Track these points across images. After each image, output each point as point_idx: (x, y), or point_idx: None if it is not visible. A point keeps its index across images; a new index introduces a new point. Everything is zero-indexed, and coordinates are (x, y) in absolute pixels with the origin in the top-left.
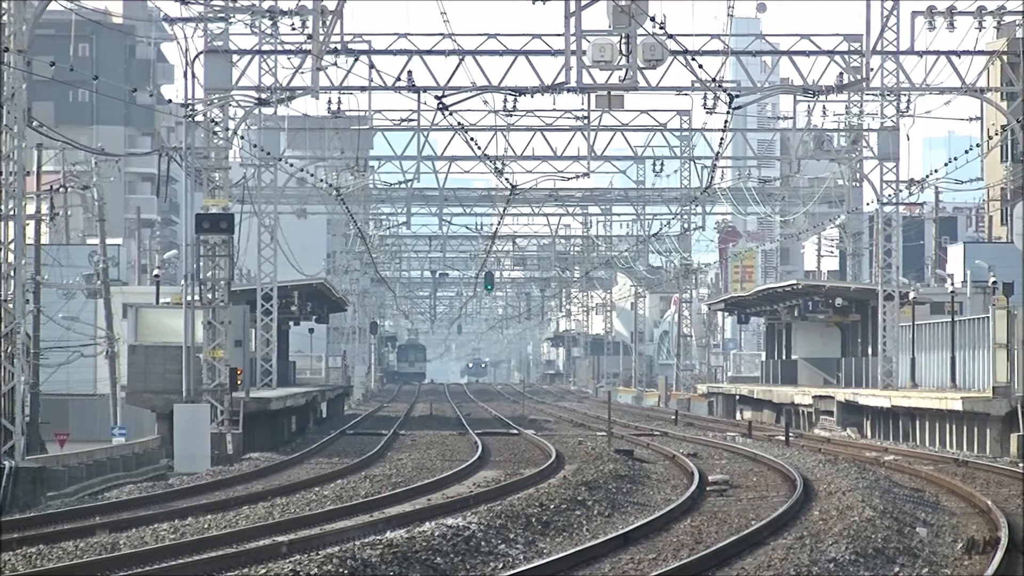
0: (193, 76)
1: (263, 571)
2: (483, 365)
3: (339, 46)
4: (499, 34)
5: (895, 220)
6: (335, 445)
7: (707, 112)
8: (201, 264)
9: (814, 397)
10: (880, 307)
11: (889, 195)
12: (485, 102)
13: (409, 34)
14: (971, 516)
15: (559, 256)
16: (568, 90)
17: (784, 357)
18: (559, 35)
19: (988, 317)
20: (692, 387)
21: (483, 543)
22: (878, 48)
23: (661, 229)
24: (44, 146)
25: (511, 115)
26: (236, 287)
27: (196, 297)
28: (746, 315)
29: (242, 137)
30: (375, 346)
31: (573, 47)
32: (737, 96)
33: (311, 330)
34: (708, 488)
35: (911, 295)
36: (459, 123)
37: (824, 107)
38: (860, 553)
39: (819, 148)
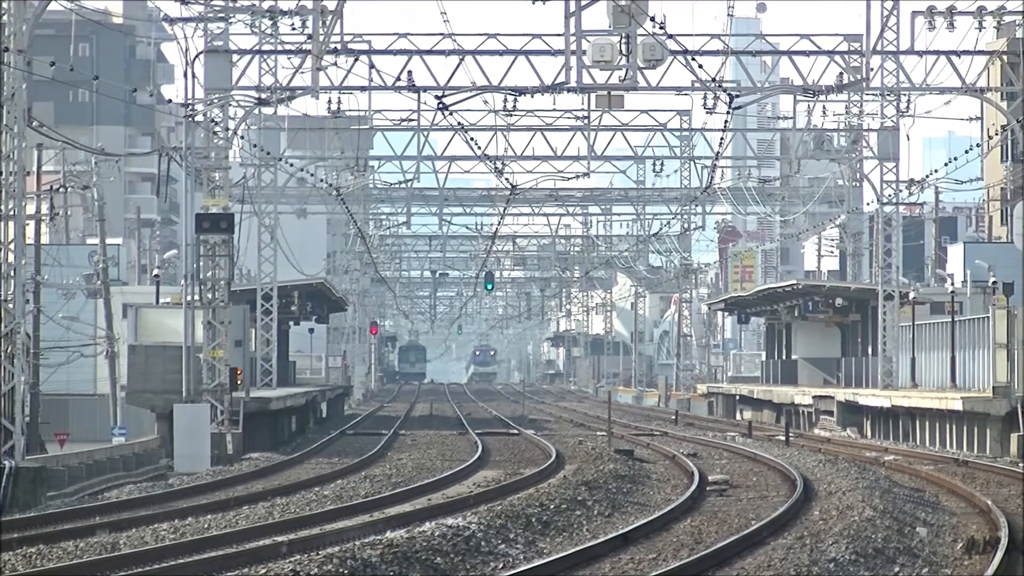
0: (193, 76)
1: (263, 571)
2: (492, 354)
3: (339, 46)
4: (499, 34)
5: (895, 220)
6: (335, 445)
7: (707, 112)
8: (201, 264)
9: (814, 397)
10: (880, 307)
11: (889, 195)
12: (485, 102)
13: (409, 34)
14: (971, 516)
15: (559, 256)
16: (568, 90)
17: (784, 357)
18: (559, 35)
19: (988, 317)
20: (692, 387)
21: (483, 543)
22: (878, 48)
23: (661, 229)
24: (44, 146)
25: (511, 115)
26: (236, 287)
27: (196, 297)
28: (746, 315)
29: (242, 137)
30: (375, 346)
31: (573, 47)
32: (737, 96)
33: (311, 330)
34: (708, 488)
35: (911, 295)
36: (459, 123)
37: (824, 107)
38: (860, 553)
39: (819, 148)
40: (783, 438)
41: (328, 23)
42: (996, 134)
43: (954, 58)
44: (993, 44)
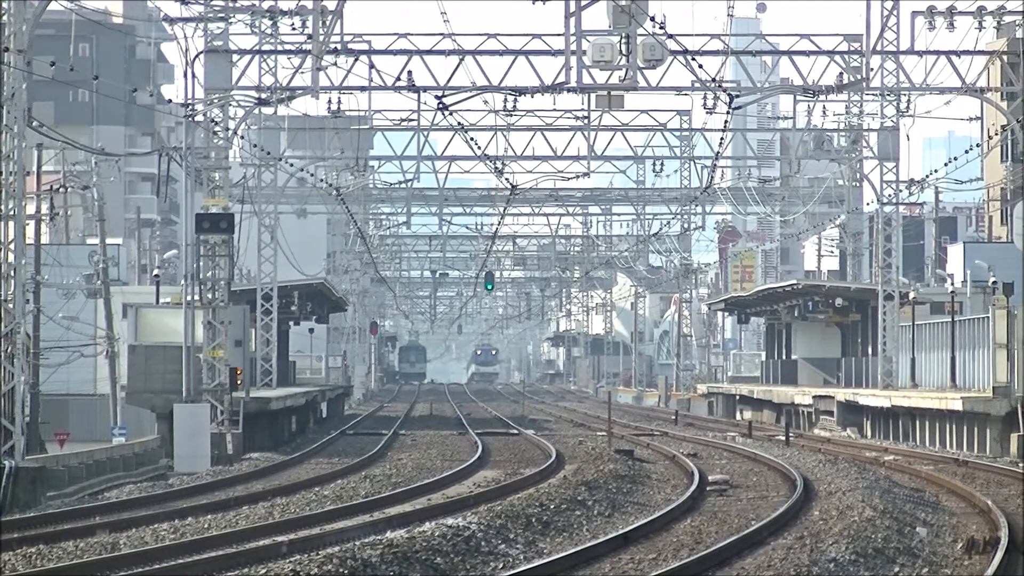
0: (193, 76)
1: (263, 571)
2: (494, 353)
3: (339, 46)
4: (499, 34)
5: (895, 220)
6: (335, 445)
7: (707, 112)
8: (201, 264)
9: (814, 397)
10: (880, 307)
11: (889, 195)
12: (485, 102)
13: (409, 34)
14: (971, 516)
15: (559, 256)
16: (568, 90)
17: (784, 357)
18: (559, 35)
19: (988, 317)
20: (692, 387)
21: (483, 543)
22: (878, 48)
23: (661, 229)
24: (44, 146)
25: (511, 115)
26: (236, 287)
27: (196, 297)
28: (746, 315)
29: (242, 137)
30: (375, 346)
31: (573, 47)
32: (737, 96)
33: (311, 330)
34: (708, 488)
35: (911, 295)
36: (459, 123)
37: (824, 107)
38: (860, 553)
39: (819, 148)
40: (783, 438)
41: (328, 23)
42: (996, 134)
43: (954, 58)
44: (993, 44)
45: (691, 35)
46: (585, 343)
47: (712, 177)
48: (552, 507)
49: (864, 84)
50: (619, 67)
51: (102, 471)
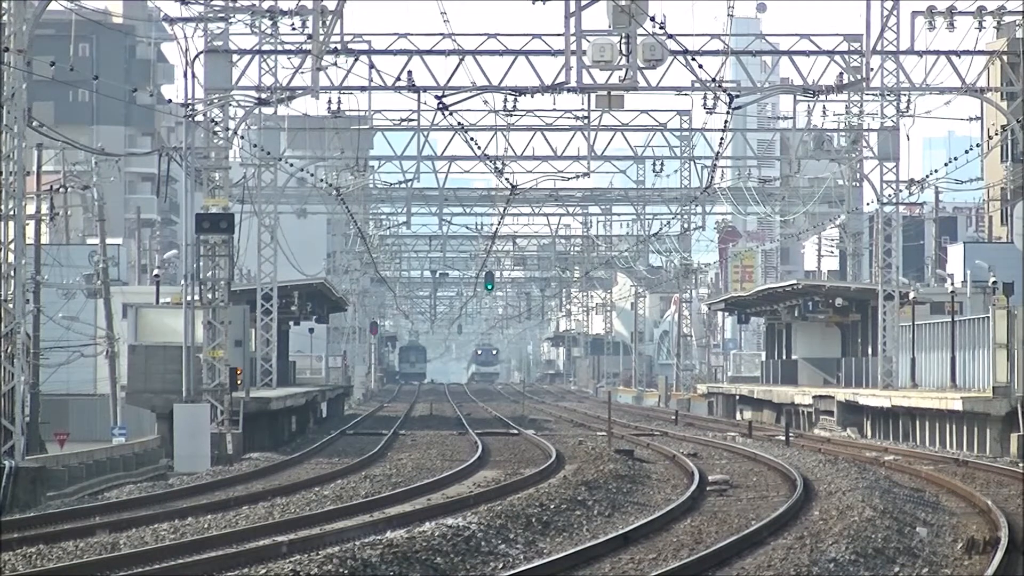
0: (193, 76)
1: (263, 571)
2: (495, 353)
3: (339, 46)
4: (499, 34)
5: (895, 220)
6: (335, 445)
7: (707, 112)
8: (201, 264)
9: (814, 397)
10: (880, 307)
11: (889, 195)
12: (485, 102)
13: (409, 34)
14: (971, 516)
15: (559, 256)
16: (568, 90)
17: (784, 357)
18: (559, 35)
19: (988, 317)
20: (692, 387)
21: (483, 543)
22: (878, 48)
23: (661, 229)
24: (44, 146)
25: (511, 115)
26: (236, 287)
27: (196, 297)
28: (746, 315)
29: (242, 137)
30: (375, 346)
31: (573, 47)
32: (737, 96)
33: (311, 330)
34: (708, 488)
35: (911, 295)
36: (459, 123)
37: (824, 107)
38: (860, 553)
39: (819, 148)
40: (783, 438)
41: (328, 23)
42: (996, 134)
43: (954, 58)
44: (993, 44)
45: (691, 35)
46: (585, 343)
47: (712, 177)
48: (552, 507)
49: (864, 84)
50: (619, 67)
51: (102, 471)
